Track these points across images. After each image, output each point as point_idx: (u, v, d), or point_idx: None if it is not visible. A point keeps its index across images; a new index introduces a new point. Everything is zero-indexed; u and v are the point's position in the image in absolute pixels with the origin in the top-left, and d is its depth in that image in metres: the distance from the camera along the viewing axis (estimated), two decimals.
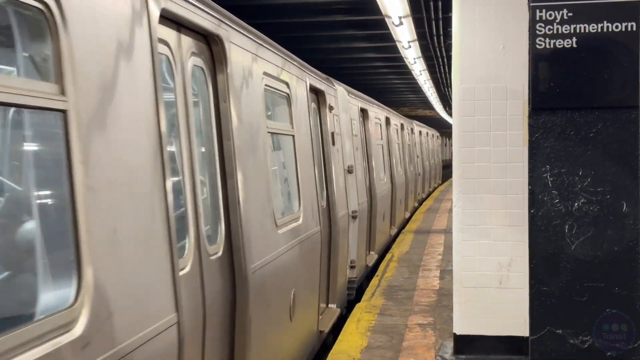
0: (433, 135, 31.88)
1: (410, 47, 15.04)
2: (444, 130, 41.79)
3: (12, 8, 2.59)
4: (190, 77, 3.92)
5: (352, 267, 9.61)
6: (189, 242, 3.68)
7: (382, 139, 14.12)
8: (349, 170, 9.34)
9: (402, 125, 18.43)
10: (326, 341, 7.60)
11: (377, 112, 13.84)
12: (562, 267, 4.80)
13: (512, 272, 6.08)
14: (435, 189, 30.90)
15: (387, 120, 15.24)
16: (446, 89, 26.91)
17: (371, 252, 11.77)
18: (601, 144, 4.74)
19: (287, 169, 6.59)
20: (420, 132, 24.40)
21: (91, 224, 2.65)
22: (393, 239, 14.80)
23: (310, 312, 6.63)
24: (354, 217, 9.51)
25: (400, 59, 17.95)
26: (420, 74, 20.61)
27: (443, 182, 35.51)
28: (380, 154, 13.69)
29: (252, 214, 4.54)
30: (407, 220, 17.88)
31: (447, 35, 14.10)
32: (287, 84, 6.22)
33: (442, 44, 15.86)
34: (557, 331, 4.82)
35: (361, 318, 7.94)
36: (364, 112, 11.90)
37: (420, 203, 22.89)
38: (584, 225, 4.76)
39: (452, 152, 6.42)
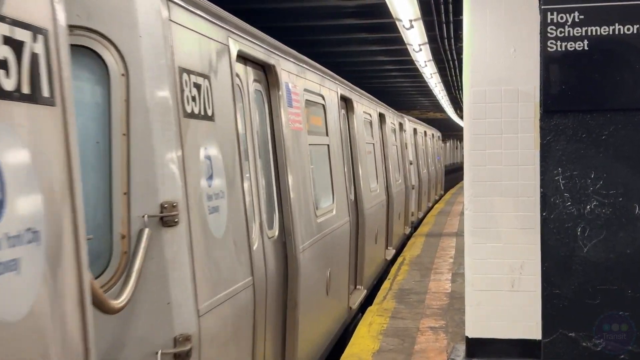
0: (433, 135, 25.71)
1: (420, 50, 15.01)
2: (456, 132, 41.66)
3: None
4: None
5: None
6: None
7: (337, 136, 8.00)
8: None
9: (381, 115, 12.55)
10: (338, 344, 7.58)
11: (323, 84, 7.59)
12: (574, 269, 4.79)
13: (524, 275, 6.07)
14: (436, 202, 25.17)
15: (347, 103, 9.14)
16: (457, 92, 26.85)
17: None
18: (613, 146, 4.73)
19: None
20: (415, 130, 19.15)
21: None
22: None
23: None
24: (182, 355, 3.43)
25: (410, 62, 17.93)
26: (431, 77, 20.57)
27: (447, 191, 30.66)
28: (324, 164, 7.35)
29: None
30: (388, 266, 11.95)
31: (458, 38, 14.07)
32: None
33: (453, 47, 15.84)
34: (570, 334, 4.81)
35: (373, 321, 7.94)
36: (291, 77, 6.11)
37: (416, 228, 17.31)
38: (596, 227, 4.74)
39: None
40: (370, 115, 11.29)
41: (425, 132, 22.38)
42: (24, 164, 2.10)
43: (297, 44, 7.93)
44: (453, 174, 35.72)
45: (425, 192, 20.43)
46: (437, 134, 28.11)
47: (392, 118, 14.56)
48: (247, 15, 5.01)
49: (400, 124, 15.93)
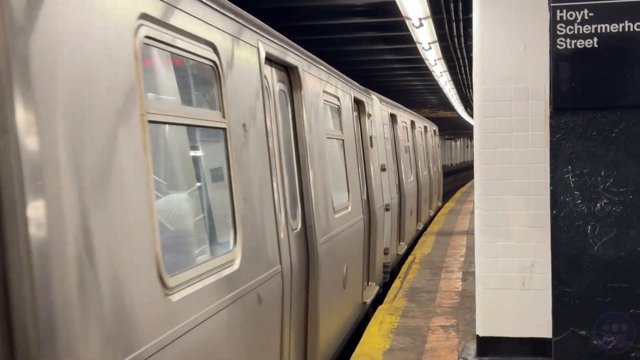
0: (426, 128, 18.58)
1: (430, 48, 15.01)
2: (466, 131, 41.53)
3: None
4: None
5: None
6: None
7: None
8: None
9: (290, 68, 5.62)
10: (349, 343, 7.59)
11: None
12: (585, 267, 4.78)
13: (535, 274, 6.06)
14: (431, 219, 18.15)
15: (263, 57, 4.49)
16: (467, 90, 26.82)
17: None
18: (623, 144, 4.71)
19: None
20: (393, 117, 12.72)
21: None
22: None
23: None
24: None
25: (420, 60, 17.93)
26: (441, 76, 20.56)
27: (446, 201, 23.53)
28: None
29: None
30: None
31: (468, 36, 14.06)
32: None
33: (463, 45, 15.82)
34: (581, 332, 4.80)
35: (383, 320, 7.95)
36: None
37: (392, 274, 10.94)
38: (606, 225, 4.73)
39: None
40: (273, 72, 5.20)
41: (412, 122, 15.80)
42: None
43: (306, 43, 7.94)
44: (464, 172, 35.91)
45: (412, 210, 13.92)
46: (433, 127, 21.12)
47: (341, 88, 7.98)
48: (257, 14, 5.03)
49: (360, 102, 9.37)
